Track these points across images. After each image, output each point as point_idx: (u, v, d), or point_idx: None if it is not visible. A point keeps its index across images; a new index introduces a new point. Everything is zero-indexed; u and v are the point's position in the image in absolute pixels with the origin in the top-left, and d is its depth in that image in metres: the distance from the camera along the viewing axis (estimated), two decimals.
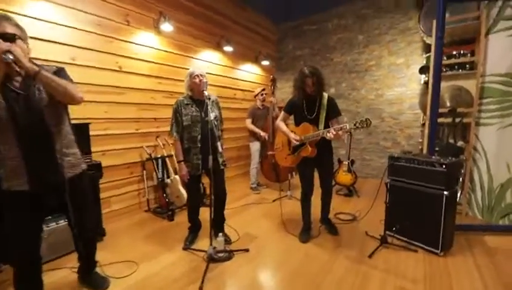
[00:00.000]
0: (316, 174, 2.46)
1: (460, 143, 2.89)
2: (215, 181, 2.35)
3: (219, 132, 2.30)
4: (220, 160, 2.31)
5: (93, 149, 2.79)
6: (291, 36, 5.70)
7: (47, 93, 1.37)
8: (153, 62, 3.37)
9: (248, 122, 4.02)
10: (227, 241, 2.40)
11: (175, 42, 3.62)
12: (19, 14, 2.23)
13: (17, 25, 1.32)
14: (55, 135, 1.43)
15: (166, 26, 3.29)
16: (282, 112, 2.47)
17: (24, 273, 1.46)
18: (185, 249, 2.31)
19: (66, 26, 2.54)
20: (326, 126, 2.28)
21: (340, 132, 2.04)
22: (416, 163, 2.20)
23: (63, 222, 2.17)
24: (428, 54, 3.43)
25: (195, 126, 2.20)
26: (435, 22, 2.72)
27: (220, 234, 2.25)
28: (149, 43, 3.29)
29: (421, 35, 3.92)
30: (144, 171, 3.26)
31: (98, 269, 1.90)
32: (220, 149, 2.14)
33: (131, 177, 3.21)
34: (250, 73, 5.15)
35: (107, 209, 2.99)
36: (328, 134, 2.08)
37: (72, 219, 1.56)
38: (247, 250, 2.29)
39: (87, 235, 1.71)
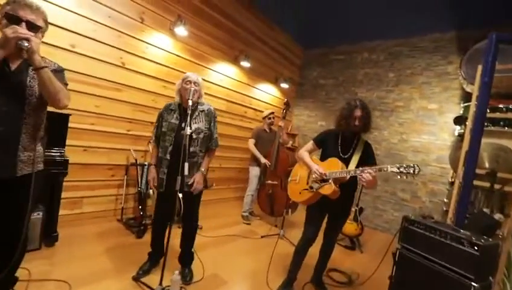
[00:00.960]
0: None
1: (498, 216, 2.32)
2: (185, 206, 2.00)
3: (201, 147, 1.97)
4: (190, 180, 1.95)
5: (75, 143, 2.58)
6: (317, 64, 5.45)
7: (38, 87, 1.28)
8: (162, 64, 3.20)
9: (251, 143, 3.69)
10: (186, 280, 1.98)
11: (190, 48, 3.46)
12: None
13: (45, 20, 1.30)
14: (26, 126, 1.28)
15: (181, 30, 3.14)
16: (311, 142, 2.14)
17: None
18: (134, 279, 1.92)
19: (69, 10, 2.41)
20: None
21: (373, 174, 1.72)
22: (438, 234, 1.70)
23: None
24: (467, 104, 2.97)
25: (169, 135, 1.91)
26: (480, 67, 2.31)
27: (177, 272, 1.83)
28: (161, 45, 3.14)
29: (460, 82, 3.47)
30: (126, 176, 2.98)
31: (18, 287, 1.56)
32: (186, 171, 1.72)
33: (112, 180, 2.93)
34: (267, 93, 4.89)
35: (76, 211, 2.71)
36: (363, 174, 1.72)
37: None
38: None
39: (14, 239, 1.40)
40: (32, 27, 1.20)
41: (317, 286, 2.21)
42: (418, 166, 1.61)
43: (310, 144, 2.14)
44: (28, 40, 1.12)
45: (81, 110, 2.60)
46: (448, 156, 3.60)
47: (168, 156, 1.90)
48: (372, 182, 1.72)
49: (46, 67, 1.20)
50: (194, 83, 1.92)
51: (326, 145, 2.08)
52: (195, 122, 1.94)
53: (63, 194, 2.39)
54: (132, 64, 2.91)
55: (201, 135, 1.95)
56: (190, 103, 1.78)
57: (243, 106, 4.46)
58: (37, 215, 2.07)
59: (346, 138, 2.00)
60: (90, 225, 2.72)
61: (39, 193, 1.45)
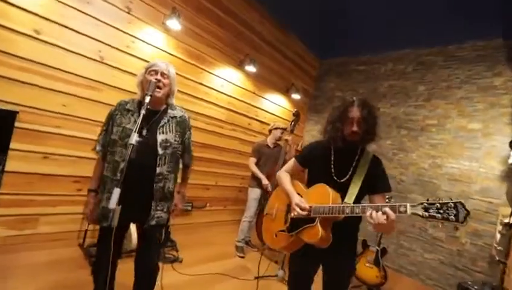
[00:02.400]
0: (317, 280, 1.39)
1: None
2: (142, 244, 1.45)
3: (169, 168, 1.43)
4: (155, 211, 1.40)
5: (33, 148, 2.12)
6: (334, 74, 4.90)
7: None
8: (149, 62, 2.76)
9: (251, 162, 3.12)
10: None
11: (185, 47, 3.02)
12: None
13: None
14: None
15: (175, 24, 2.70)
16: (293, 160, 1.52)
17: None
18: None
19: None
20: (359, 201, 1.27)
21: (392, 217, 1.03)
22: None
23: None
24: None
25: (121, 146, 1.34)
26: None
27: None
28: (150, 40, 2.72)
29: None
30: None
31: None
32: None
33: (77, 195, 2.43)
34: (276, 104, 4.35)
35: (28, 231, 2.21)
36: (373, 215, 1.06)
37: None
38: None
39: None
40: None
41: None
42: (465, 207, 0.94)
43: (292, 163, 1.52)
44: None
45: (44, 109, 2.16)
46: (495, 188, 2.89)
47: (118, 175, 1.32)
48: (386, 227, 1.07)
49: None
50: (162, 73, 1.41)
51: (314, 164, 1.44)
52: (162, 132, 1.41)
53: (9, 211, 1.92)
54: (113, 59, 2.48)
55: (168, 150, 1.41)
56: (147, 99, 1.26)
57: (247, 116, 3.94)
58: None
59: (342, 153, 1.34)
60: (43, 249, 2.20)
61: None
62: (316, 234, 1.21)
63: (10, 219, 2.11)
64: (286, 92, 4.46)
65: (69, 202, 2.39)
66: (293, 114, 3.17)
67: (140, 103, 1.43)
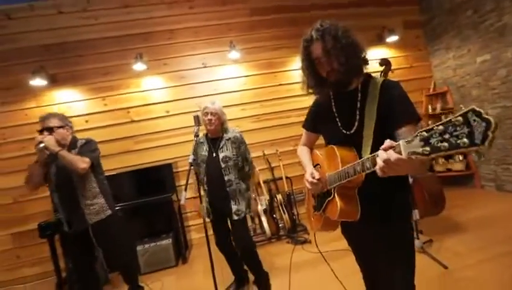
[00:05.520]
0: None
1: None
2: (235, 232, 2.01)
3: (234, 175, 1.96)
4: (234, 208, 1.92)
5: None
6: None
7: None
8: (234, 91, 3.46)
9: (298, 153, 3.00)
10: None
11: (252, 64, 3.52)
12: None
13: (60, 118, 1.91)
14: (80, 188, 1.88)
15: (234, 54, 3.28)
16: (303, 130, 1.36)
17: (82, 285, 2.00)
18: None
19: None
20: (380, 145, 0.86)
21: (412, 156, 0.65)
22: None
23: (153, 244, 2.73)
24: None
25: (201, 167, 2.02)
26: None
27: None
28: (226, 75, 3.44)
29: None
30: None
31: None
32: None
33: None
34: (373, 61, 3.78)
35: None
36: (380, 160, 0.74)
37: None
38: None
39: (116, 266, 2.06)
40: (48, 129, 1.81)
41: None
42: (477, 115, 0.51)
43: (303, 133, 1.35)
44: (41, 142, 1.70)
45: (183, 155, 3.32)
46: None
47: (205, 186, 2.00)
48: (406, 165, 0.69)
49: (62, 150, 1.74)
50: (211, 113, 1.94)
51: (321, 125, 1.22)
52: (222, 151, 1.95)
53: (196, 221, 3.09)
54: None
55: (230, 163, 1.95)
56: (197, 130, 1.84)
57: None
58: None
59: (341, 99, 1.10)
60: None
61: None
62: (335, 207, 1.02)
63: (197, 226, 3.34)
64: (379, 41, 3.79)
65: None
66: (380, 64, 2.74)
67: (206, 136, 2.05)
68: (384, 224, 1.03)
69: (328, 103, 1.14)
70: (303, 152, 1.31)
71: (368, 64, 1.06)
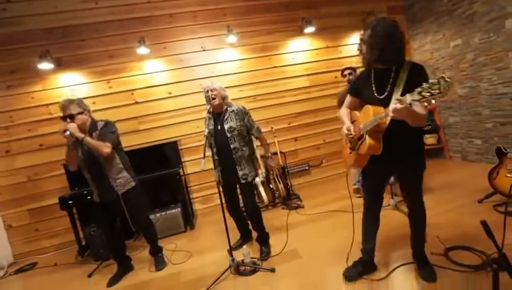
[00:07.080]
0: None
1: None
2: (243, 195, 2.31)
3: (239, 142, 2.23)
4: (240, 173, 2.22)
5: (194, 157, 3.59)
6: None
7: None
8: (231, 73, 3.69)
9: (339, 113, 3.31)
10: (262, 257, 2.24)
11: (248, 47, 3.74)
12: None
13: (78, 104, 2.08)
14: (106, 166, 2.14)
15: (232, 38, 3.49)
16: (348, 95, 1.80)
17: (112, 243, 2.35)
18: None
19: None
20: None
21: (420, 105, 1.24)
22: None
23: (164, 213, 3.05)
24: None
25: (210, 139, 2.26)
26: None
27: (245, 246, 2.17)
28: (225, 58, 3.64)
29: None
30: None
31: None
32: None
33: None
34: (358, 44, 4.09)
35: (210, 204, 3.72)
36: (392, 108, 1.28)
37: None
38: (272, 270, 2.04)
39: (140, 227, 2.42)
40: (70, 117, 2.01)
41: (419, 265, 1.75)
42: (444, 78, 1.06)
43: (348, 97, 1.79)
44: (66, 129, 1.90)
45: (189, 133, 3.58)
46: None
47: (216, 157, 2.28)
48: (412, 111, 1.27)
49: (86, 136, 1.95)
50: (211, 90, 2.20)
51: (362, 91, 1.66)
52: (227, 122, 2.22)
53: (199, 193, 3.41)
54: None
55: (235, 132, 2.21)
56: (209, 107, 2.10)
57: (330, 71, 4.04)
58: None
59: (379, 72, 1.52)
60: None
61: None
62: (365, 145, 1.50)
63: (201, 198, 3.67)
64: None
65: None
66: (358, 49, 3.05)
67: (213, 112, 2.32)
68: (406, 154, 1.55)
69: (369, 75, 1.59)
70: (344, 112, 1.78)
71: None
